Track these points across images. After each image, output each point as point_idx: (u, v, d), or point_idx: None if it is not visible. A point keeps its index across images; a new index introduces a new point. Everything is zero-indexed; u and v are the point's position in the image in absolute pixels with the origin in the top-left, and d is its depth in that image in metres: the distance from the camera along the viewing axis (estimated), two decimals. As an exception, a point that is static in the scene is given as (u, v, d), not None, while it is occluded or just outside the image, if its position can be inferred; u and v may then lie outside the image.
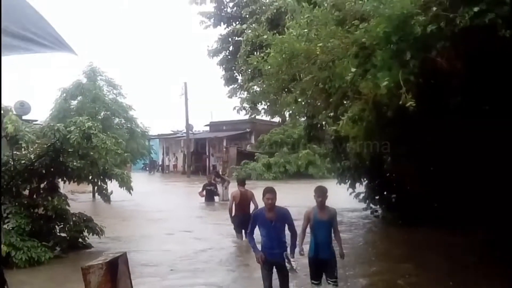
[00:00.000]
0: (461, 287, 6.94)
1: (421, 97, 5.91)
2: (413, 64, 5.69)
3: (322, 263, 6.23)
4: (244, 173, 29.45)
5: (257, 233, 6.07)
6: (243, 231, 10.36)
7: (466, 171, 9.17)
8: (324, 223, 6.22)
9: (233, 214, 10.84)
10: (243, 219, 10.01)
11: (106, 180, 10.64)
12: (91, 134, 9.48)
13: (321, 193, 6.24)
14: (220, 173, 23.41)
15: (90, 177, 10.44)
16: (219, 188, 18.97)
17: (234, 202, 10.86)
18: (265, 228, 6.00)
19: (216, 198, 18.92)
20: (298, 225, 6.21)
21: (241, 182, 11.36)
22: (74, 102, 25.31)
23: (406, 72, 5.67)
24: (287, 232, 6.07)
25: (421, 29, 5.39)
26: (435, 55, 5.73)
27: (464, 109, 7.37)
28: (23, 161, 9.60)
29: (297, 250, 6.16)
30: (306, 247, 6.26)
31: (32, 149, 9.72)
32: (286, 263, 5.88)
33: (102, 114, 24.74)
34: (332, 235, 6.32)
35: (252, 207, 10.30)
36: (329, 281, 6.21)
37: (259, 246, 6.11)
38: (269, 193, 5.96)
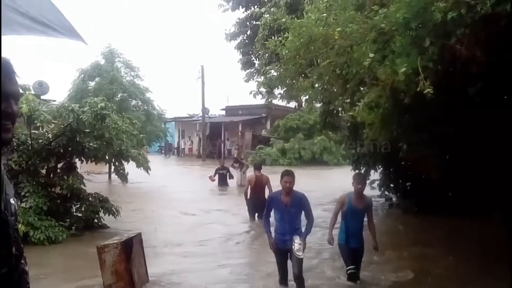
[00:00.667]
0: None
1: (439, 84, 5.86)
2: (432, 51, 5.62)
3: (351, 251, 6.12)
4: (259, 158, 29.51)
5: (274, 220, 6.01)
6: (256, 214, 10.83)
7: (482, 159, 9.09)
8: (358, 212, 6.08)
9: (248, 197, 11.16)
10: (257, 203, 10.35)
11: (123, 161, 10.75)
12: (104, 114, 9.54)
13: (360, 180, 6.13)
14: (237, 157, 23.45)
15: (106, 157, 10.56)
16: (237, 172, 18.68)
17: (249, 186, 11.19)
18: (279, 211, 5.81)
19: (232, 182, 18.74)
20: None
21: (258, 167, 11.79)
22: (92, 83, 25.50)
23: (424, 59, 5.61)
24: (303, 217, 5.94)
25: (441, 16, 5.31)
26: (455, 42, 5.65)
27: (483, 97, 7.28)
28: (40, 141, 9.73)
29: (326, 238, 6.12)
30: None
31: (49, 128, 9.85)
32: (293, 245, 5.66)
33: (119, 95, 24.89)
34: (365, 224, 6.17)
35: (267, 192, 10.44)
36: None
37: (273, 230, 6.04)
38: (287, 175, 5.77)
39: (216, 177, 18.59)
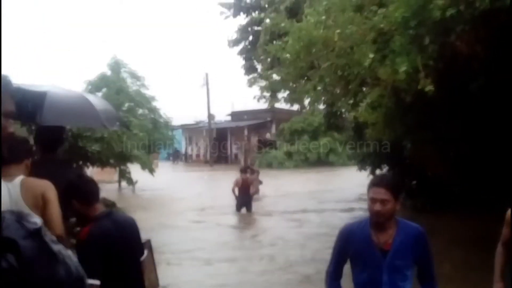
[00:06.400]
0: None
1: (440, 82, 5.89)
2: (432, 49, 5.66)
3: None
4: (266, 161, 29.57)
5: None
6: (244, 208, 13.43)
7: (488, 155, 9.08)
8: None
9: (236, 195, 13.54)
10: (244, 200, 13.46)
11: (127, 164, 10.71)
12: None
13: None
14: (243, 162, 23.48)
15: (111, 161, 10.56)
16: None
17: (237, 187, 13.55)
18: (366, 266, 2.85)
19: None
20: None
21: (244, 170, 14.41)
22: (99, 94, 25.63)
23: (425, 57, 5.65)
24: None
25: (440, 13, 5.34)
26: (455, 39, 5.69)
27: (485, 93, 7.29)
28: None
29: None
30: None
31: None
32: None
33: (126, 105, 25.00)
34: None
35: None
36: None
37: None
38: (379, 186, 2.77)
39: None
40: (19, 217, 1.05)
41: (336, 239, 3.00)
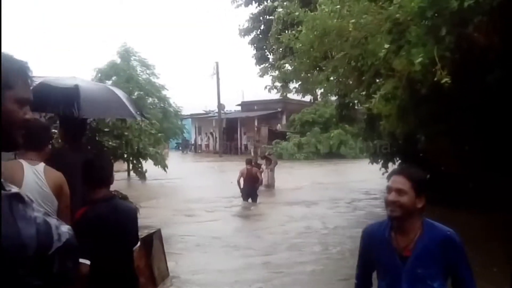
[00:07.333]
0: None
1: (457, 74, 5.77)
2: (448, 40, 5.54)
3: None
4: (275, 152, 29.51)
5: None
6: (250, 198, 13.71)
7: (503, 149, 8.94)
8: None
9: (241, 186, 13.69)
10: (249, 190, 13.71)
11: (141, 160, 10.88)
12: None
13: None
14: (252, 152, 23.29)
15: (125, 156, 10.69)
16: (265, 170, 16.49)
17: (242, 177, 13.74)
18: (387, 272, 2.52)
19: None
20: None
21: (249, 162, 14.56)
22: (109, 82, 25.74)
23: (441, 48, 5.53)
24: None
25: (458, 3, 5.22)
26: (472, 30, 5.57)
27: (502, 85, 7.16)
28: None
29: None
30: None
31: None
32: None
33: (136, 94, 25.11)
34: None
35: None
36: None
37: None
38: (399, 175, 2.52)
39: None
40: None
41: (360, 240, 2.68)
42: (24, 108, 1.40)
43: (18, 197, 1.27)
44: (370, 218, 9.73)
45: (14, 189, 1.29)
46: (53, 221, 1.31)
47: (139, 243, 3.40)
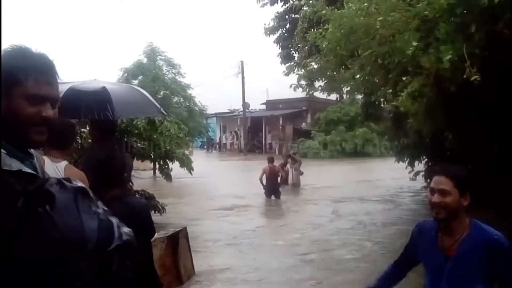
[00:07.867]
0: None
1: (486, 71, 5.69)
2: (478, 37, 5.47)
3: None
4: (300, 151, 29.44)
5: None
6: (272, 196, 14.16)
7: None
8: None
9: (264, 184, 14.31)
10: (272, 188, 14.26)
11: (167, 161, 11.06)
12: (155, 120, 9.86)
13: None
14: (277, 151, 23.32)
15: (152, 157, 10.89)
16: (290, 170, 16.61)
17: (264, 175, 14.37)
18: (430, 269, 2.56)
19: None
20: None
21: (271, 160, 14.91)
22: (135, 82, 26.03)
23: (471, 45, 5.46)
24: None
25: (488, 0, 5.16)
26: (502, 27, 5.48)
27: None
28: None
29: None
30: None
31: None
32: None
33: (161, 93, 25.32)
34: None
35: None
36: None
37: None
38: (438, 175, 2.46)
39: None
40: (63, 180, 1.31)
41: (411, 233, 2.74)
42: (40, 105, 1.38)
43: (83, 191, 1.31)
44: (417, 216, 9.75)
45: (79, 184, 1.32)
46: (115, 220, 1.35)
47: (156, 235, 3.41)
